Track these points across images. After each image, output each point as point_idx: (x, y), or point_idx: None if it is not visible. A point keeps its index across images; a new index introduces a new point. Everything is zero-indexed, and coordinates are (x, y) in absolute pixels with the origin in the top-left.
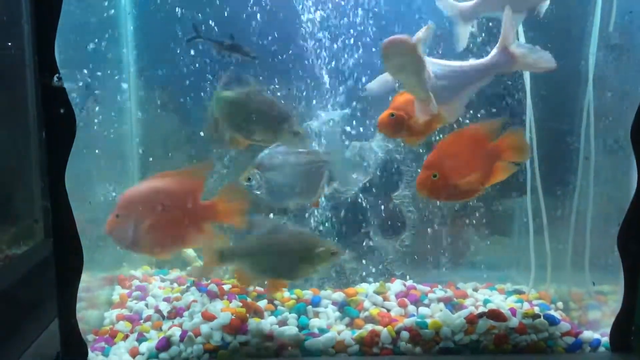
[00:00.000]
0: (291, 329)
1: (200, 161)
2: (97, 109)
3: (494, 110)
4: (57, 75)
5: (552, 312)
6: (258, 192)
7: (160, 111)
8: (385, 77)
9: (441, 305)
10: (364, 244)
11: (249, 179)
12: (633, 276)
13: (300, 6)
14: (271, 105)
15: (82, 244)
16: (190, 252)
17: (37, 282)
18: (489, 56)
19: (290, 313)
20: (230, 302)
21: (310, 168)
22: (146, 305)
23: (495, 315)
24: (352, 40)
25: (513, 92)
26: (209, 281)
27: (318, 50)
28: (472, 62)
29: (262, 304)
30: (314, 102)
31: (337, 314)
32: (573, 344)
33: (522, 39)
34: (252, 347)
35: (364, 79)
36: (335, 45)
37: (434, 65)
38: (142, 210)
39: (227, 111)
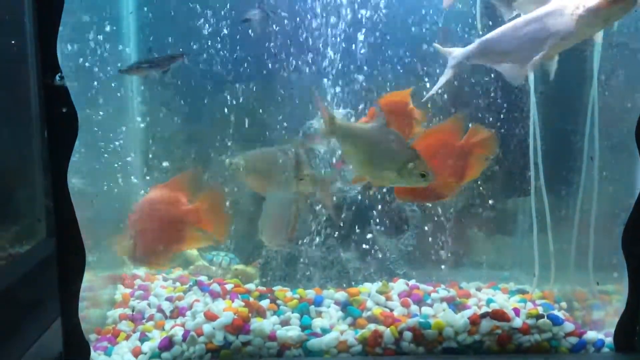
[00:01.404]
0: (294, 329)
1: (191, 166)
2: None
3: (496, 109)
4: (59, 74)
5: (555, 312)
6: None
7: (164, 110)
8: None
9: (444, 305)
10: (367, 243)
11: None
12: (637, 276)
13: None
14: (397, 142)
15: (84, 243)
16: (192, 251)
17: (40, 281)
18: None
19: (292, 313)
20: (233, 301)
21: None
22: (149, 304)
23: (498, 315)
24: (356, 38)
25: (517, 91)
26: (212, 281)
27: (321, 49)
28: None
29: (265, 303)
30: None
31: (340, 313)
32: (577, 344)
33: None
34: (255, 347)
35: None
36: (338, 43)
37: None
38: (135, 222)
39: (351, 145)
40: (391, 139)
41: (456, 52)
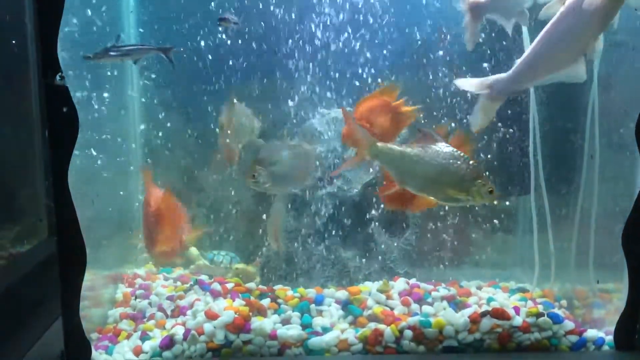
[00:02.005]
0: (294, 328)
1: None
2: None
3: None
4: (59, 74)
5: (556, 311)
6: (265, 185)
7: (164, 109)
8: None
9: (445, 303)
10: (368, 241)
11: (253, 176)
12: (637, 274)
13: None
14: (462, 162)
15: (85, 242)
16: (193, 250)
17: (41, 280)
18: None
19: (293, 312)
20: (234, 300)
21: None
22: (149, 303)
23: (498, 313)
24: (355, 38)
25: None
26: (212, 280)
27: (321, 48)
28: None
29: (265, 302)
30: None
31: (341, 312)
32: (577, 342)
33: (526, 36)
34: (255, 346)
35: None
36: (338, 42)
37: None
38: None
39: (403, 169)
40: (456, 157)
41: (494, 79)
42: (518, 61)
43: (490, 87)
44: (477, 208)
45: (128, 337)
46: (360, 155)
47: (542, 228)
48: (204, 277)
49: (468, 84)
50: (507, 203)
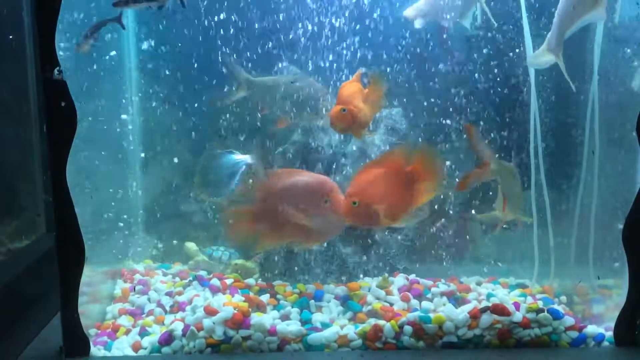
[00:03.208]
0: (294, 324)
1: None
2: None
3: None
4: (57, 68)
5: (555, 307)
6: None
7: (162, 105)
8: None
9: (444, 299)
10: (367, 237)
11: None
12: (638, 270)
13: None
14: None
15: (84, 238)
16: (192, 245)
17: (39, 276)
18: None
19: (292, 307)
20: (233, 296)
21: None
22: (148, 299)
23: (498, 309)
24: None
25: (518, 86)
26: (211, 275)
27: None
28: None
29: (265, 298)
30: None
31: (340, 308)
32: (577, 338)
33: (527, 34)
34: (255, 342)
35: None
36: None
37: None
38: None
39: (510, 182)
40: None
41: (549, 41)
42: (555, 15)
43: (549, 47)
44: (477, 203)
45: (127, 332)
46: (486, 172)
47: (542, 224)
48: (202, 273)
49: (536, 57)
50: None
